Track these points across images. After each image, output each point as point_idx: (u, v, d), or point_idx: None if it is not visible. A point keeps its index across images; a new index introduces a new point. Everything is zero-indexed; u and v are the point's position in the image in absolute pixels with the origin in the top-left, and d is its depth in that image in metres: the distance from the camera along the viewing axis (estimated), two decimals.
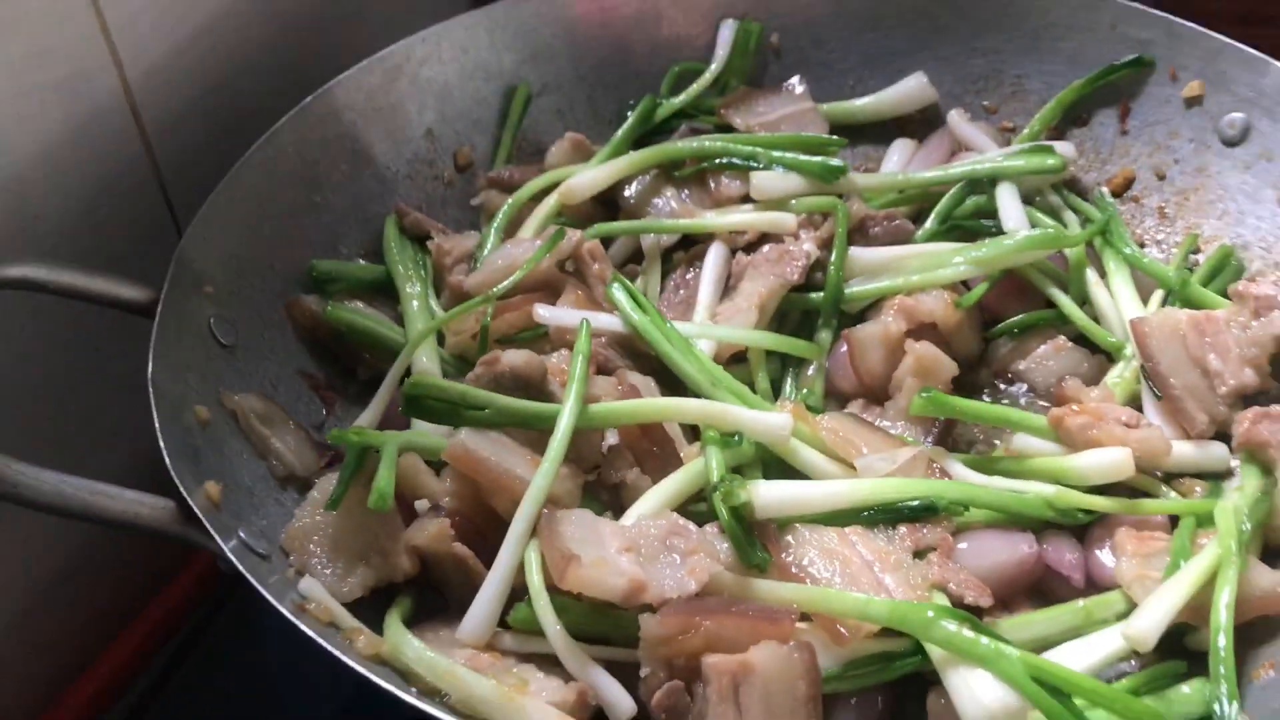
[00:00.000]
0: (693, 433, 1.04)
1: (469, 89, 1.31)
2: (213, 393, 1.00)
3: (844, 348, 1.14)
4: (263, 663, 1.18)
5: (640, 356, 1.11)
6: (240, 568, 0.82)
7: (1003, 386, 1.17)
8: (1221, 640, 0.85)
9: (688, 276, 1.22)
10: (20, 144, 1.02)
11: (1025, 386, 1.16)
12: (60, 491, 0.83)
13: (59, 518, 0.85)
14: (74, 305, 0.99)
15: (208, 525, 0.84)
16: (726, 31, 1.38)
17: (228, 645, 1.19)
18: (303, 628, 0.79)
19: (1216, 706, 0.83)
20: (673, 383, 1.07)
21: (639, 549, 0.90)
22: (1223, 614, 0.86)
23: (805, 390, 1.14)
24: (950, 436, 1.10)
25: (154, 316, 0.98)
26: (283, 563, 0.92)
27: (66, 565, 1.13)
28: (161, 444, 0.88)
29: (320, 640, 0.78)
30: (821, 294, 1.17)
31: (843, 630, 0.88)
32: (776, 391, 1.14)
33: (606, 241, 1.22)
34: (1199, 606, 0.88)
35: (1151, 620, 0.86)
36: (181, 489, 0.85)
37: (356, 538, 0.93)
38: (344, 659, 0.77)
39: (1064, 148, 1.26)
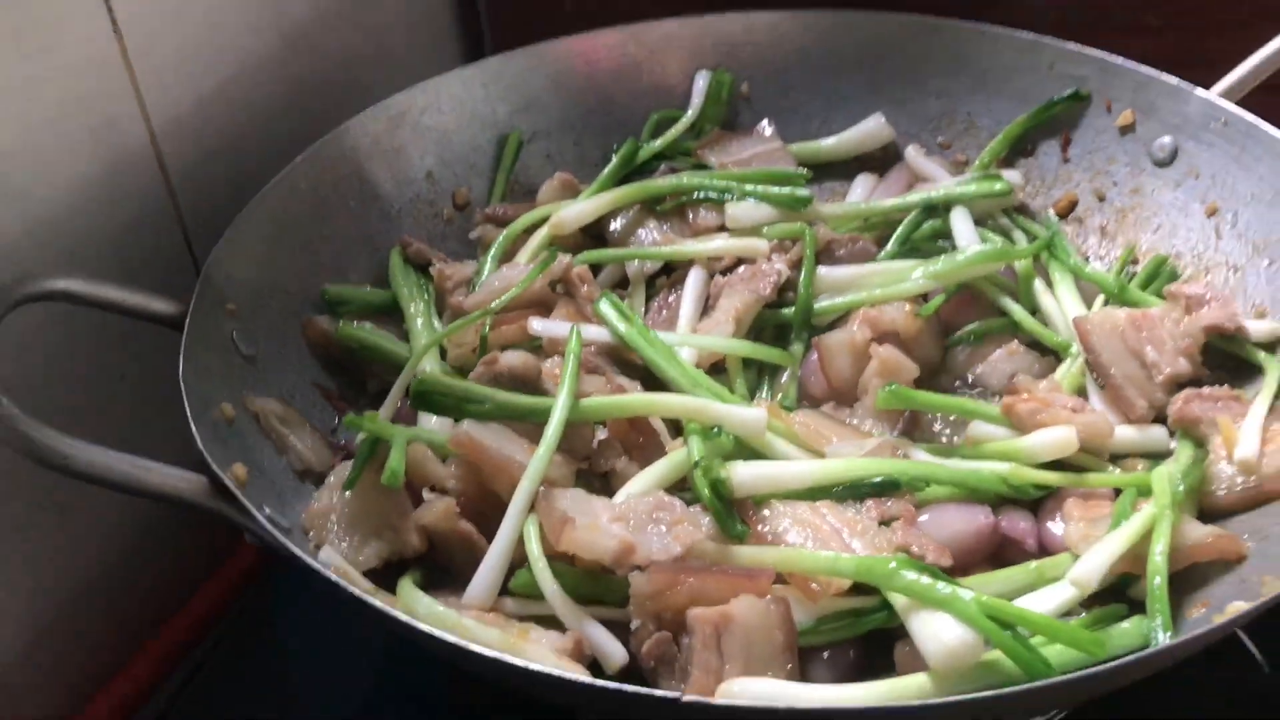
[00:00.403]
0: (676, 430, 1.13)
1: (466, 136, 1.42)
2: (236, 397, 1.09)
3: (815, 355, 1.23)
4: (279, 668, 1.25)
5: (627, 365, 1.20)
6: (271, 529, 0.90)
7: (962, 390, 1.27)
8: (1157, 580, 0.93)
9: (670, 299, 1.31)
10: (58, 182, 1.12)
11: (982, 389, 1.25)
12: (107, 464, 0.92)
13: (101, 490, 0.94)
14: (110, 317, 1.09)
15: (240, 497, 0.92)
16: (701, 81, 1.49)
17: (245, 654, 1.25)
18: (331, 577, 0.86)
19: (1153, 637, 0.91)
20: (657, 388, 1.15)
21: (628, 520, 0.99)
22: (1158, 558, 0.94)
23: (780, 395, 1.23)
24: (914, 434, 1.19)
25: (182, 329, 1.07)
26: (303, 539, 1.01)
27: (95, 576, 1.20)
28: (193, 428, 0.96)
29: (348, 587, 0.86)
30: (793, 309, 1.27)
31: (815, 586, 0.96)
32: (753, 397, 1.23)
33: (595, 270, 1.31)
34: (1138, 557, 0.96)
35: (1094, 563, 0.95)
36: (213, 465, 0.94)
37: (370, 516, 1.01)
38: (370, 602, 0.85)
39: (1012, 175, 1.37)
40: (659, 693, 0.76)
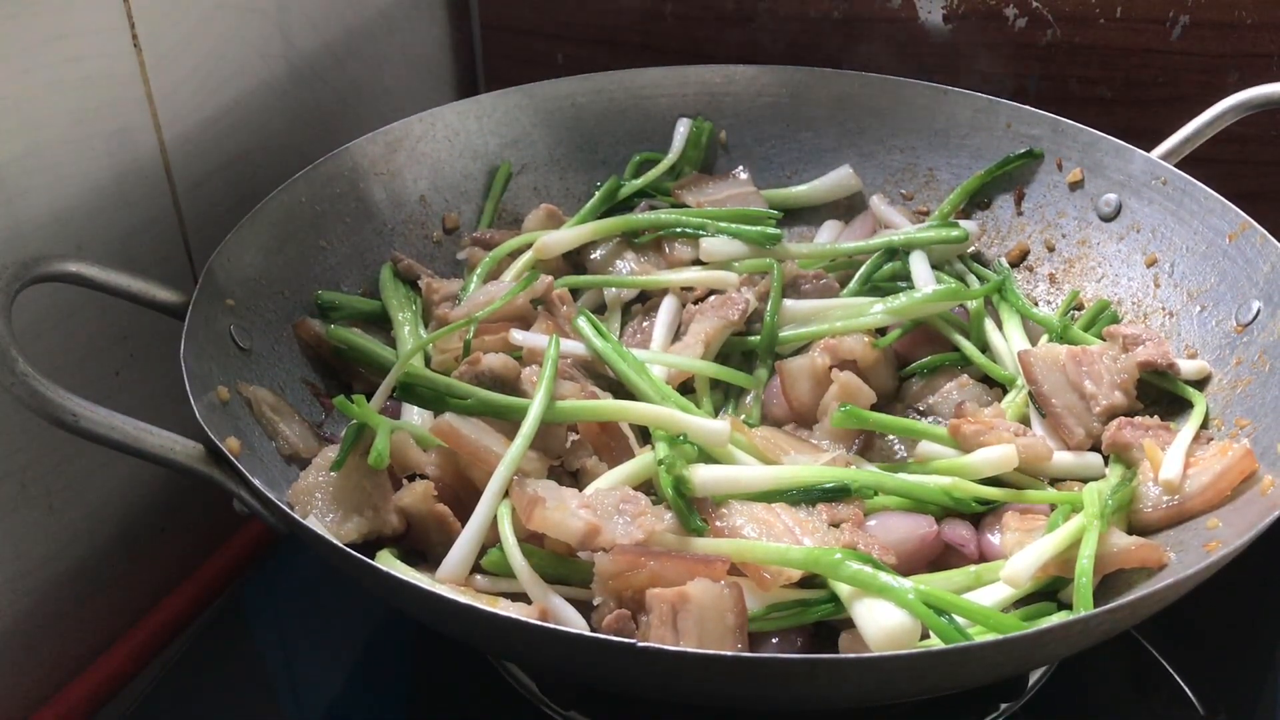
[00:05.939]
0: (644, 440, 1.19)
1: (458, 165, 1.50)
2: (231, 383, 1.15)
3: (778, 379, 1.31)
4: (253, 670, 1.29)
5: (600, 379, 1.26)
6: (264, 490, 0.96)
7: (915, 419, 1.34)
8: (1083, 580, 1.00)
9: (644, 324, 1.38)
10: (71, 182, 1.18)
11: (934, 418, 1.33)
12: (112, 424, 0.97)
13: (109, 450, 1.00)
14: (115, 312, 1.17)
15: (235, 462, 0.98)
16: (682, 128, 1.58)
17: (218, 656, 1.28)
18: (320, 532, 0.92)
19: None
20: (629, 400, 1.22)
21: (595, 508, 1.05)
22: (1085, 561, 1.01)
23: (744, 415, 1.30)
24: (868, 455, 1.26)
25: (183, 318, 1.14)
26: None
27: (74, 569, 1.25)
28: (191, 401, 1.03)
29: (333, 540, 0.91)
30: (759, 337, 1.35)
31: (767, 575, 1.02)
32: (718, 416, 1.30)
33: (574, 295, 1.39)
34: (1068, 561, 1.03)
35: (1025, 560, 1.01)
36: (210, 434, 1.00)
37: (353, 494, 1.06)
38: (353, 555, 0.91)
39: (969, 225, 1.45)
40: (617, 639, 0.82)
